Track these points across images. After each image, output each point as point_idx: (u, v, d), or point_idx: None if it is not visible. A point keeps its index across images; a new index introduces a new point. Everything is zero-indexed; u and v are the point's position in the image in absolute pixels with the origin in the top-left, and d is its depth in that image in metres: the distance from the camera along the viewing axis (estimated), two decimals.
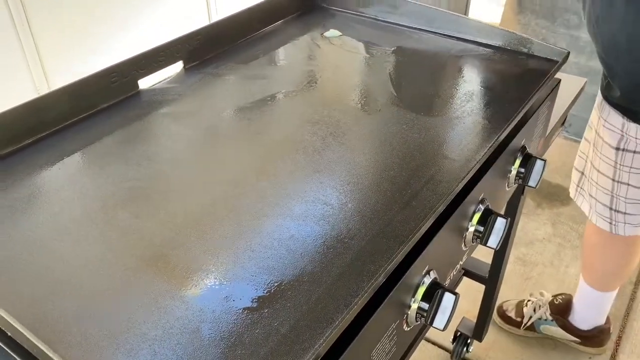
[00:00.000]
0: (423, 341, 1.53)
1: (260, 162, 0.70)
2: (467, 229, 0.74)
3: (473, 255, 1.29)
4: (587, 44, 2.49)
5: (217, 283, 0.52)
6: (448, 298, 0.63)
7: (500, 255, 1.20)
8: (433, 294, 0.63)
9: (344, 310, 0.49)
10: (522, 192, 1.07)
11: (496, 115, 0.80)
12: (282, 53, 0.99)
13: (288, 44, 1.01)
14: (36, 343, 0.45)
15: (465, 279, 1.29)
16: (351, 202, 0.63)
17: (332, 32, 1.03)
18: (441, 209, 0.63)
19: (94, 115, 0.79)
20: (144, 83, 0.85)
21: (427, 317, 0.63)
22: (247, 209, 0.62)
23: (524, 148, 0.88)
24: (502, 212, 0.90)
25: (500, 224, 0.75)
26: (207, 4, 2.81)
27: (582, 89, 1.25)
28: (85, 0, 2.30)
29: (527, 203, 2.08)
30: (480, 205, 0.75)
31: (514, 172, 0.87)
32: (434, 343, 1.54)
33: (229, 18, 1.00)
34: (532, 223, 2.00)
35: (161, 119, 0.79)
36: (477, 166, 0.69)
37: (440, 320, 0.63)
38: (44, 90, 0.75)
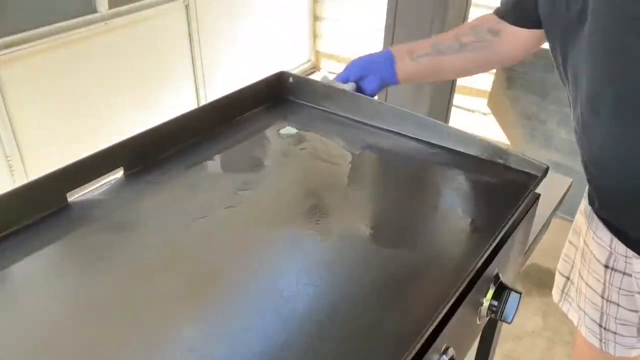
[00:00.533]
0: None
1: (188, 292, 0.61)
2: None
3: None
4: None
5: None
6: None
7: None
8: None
9: None
10: (495, 327, 0.97)
11: (467, 244, 0.71)
12: (233, 155, 0.91)
13: (243, 142, 0.93)
14: None
15: None
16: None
17: (288, 130, 0.96)
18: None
19: (16, 233, 0.70)
20: (76, 194, 0.77)
21: None
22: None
23: (497, 277, 0.79)
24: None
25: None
26: (197, 96, 2.81)
27: (566, 192, 1.18)
28: (69, 92, 2.29)
29: None
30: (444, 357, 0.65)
31: (485, 304, 0.77)
32: None
33: (185, 115, 0.93)
34: (521, 313, 1.88)
35: (92, 238, 0.71)
36: (443, 313, 0.60)
37: None
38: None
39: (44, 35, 2.13)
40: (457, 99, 2.92)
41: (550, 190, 1.02)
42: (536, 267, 2.06)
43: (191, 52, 2.78)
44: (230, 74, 3.00)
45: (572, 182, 1.20)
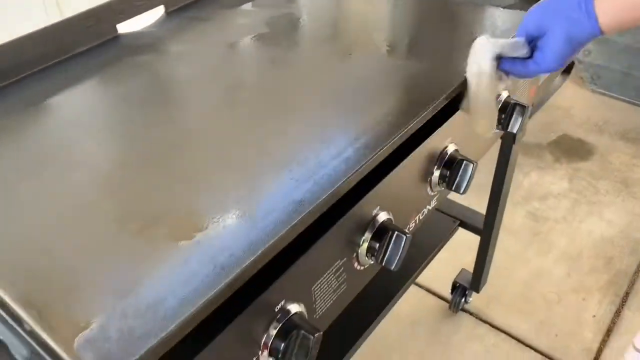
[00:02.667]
0: (422, 291, 1.55)
1: (230, 109, 0.71)
2: (432, 173, 0.74)
3: (468, 206, 1.28)
4: None
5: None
6: (398, 238, 0.63)
7: (493, 205, 1.19)
8: (385, 235, 0.64)
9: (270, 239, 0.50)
10: (513, 141, 1.04)
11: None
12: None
13: None
14: None
15: (466, 232, 1.28)
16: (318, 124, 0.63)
17: None
18: (396, 142, 0.62)
19: (71, 59, 0.81)
20: (123, 28, 0.87)
21: (377, 257, 0.64)
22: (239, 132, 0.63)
23: (504, 94, 0.86)
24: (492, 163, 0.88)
25: (467, 168, 0.74)
26: None
27: None
28: None
29: (545, 157, 2.03)
30: (448, 150, 0.75)
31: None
32: (433, 293, 1.55)
33: None
34: (548, 177, 1.95)
35: (139, 61, 0.81)
36: (441, 105, 0.68)
37: (390, 261, 0.63)
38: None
39: None
40: None
41: None
42: (568, 137, 2.09)
43: None
44: None
45: None
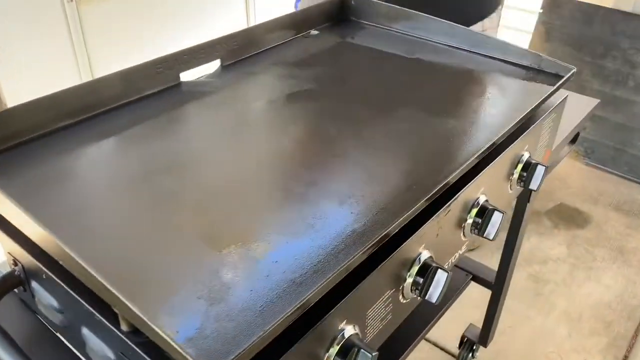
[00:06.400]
0: (430, 345, 1.59)
1: (284, 149, 0.80)
2: (466, 220, 0.82)
3: (480, 261, 1.36)
4: (611, 73, 2.53)
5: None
6: (441, 275, 0.70)
7: (506, 261, 1.26)
8: (427, 271, 0.71)
9: (337, 266, 0.57)
10: (528, 199, 1.13)
11: (499, 120, 0.87)
12: (313, 57, 1.08)
13: (317, 48, 1.11)
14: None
15: (474, 289, 1.34)
16: (363, 184, 0.71)
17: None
18: (437, 192, 0.70)
19: (141, 99, 0.89)
20: (185, 76, 0.96)
21: (421, 291, 0.70)
22: (274, 186, 0.71)
23: (526, 155, 0.95)
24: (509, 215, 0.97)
25: (497, 217, 0.82)
26: (247, 13, 2.97)
27: (593, 109, 1.32)
28: (134, 9, 2.48)
29: (544, 223, 2.13)
30: (479, 200, 0.83)
31: (516, 175, 0.94)
32: (441, 348, 1.59)
33: (264, 24, 1.11)
34: (548, 242, 2.04)
35: (199, 106, 0.90)
36: (475, 161, 0.77)
37: (433, 294, 0.70)
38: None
39: None
40: None
41: (578, 110, 1.16)
42: (565, 207, 2.20)
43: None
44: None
45: (598, 102, 1.34)
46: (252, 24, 2.94)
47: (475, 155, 0.77)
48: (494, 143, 0.81)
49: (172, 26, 2.61)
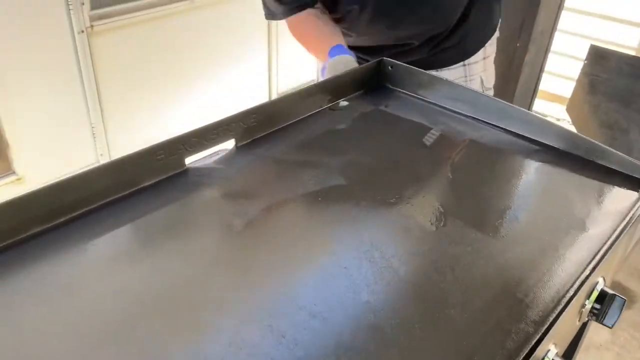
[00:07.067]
0: None
1: (301, 262, 0.63)
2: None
3: None
4: None
5: None
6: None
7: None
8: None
9: None
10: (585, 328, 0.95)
11: (574, 248, 0.70)
12: (342, 137, 0.92)
13: (346, 124, 0.95)
14: None
15: None
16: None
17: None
18: None
19: (137, 193, 0.74)
20: (192, 161, 0.81)
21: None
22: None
23: (600, 282, 0.77)
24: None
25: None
26: (269, 84, 2.83)
27: None
28: (151, 65, 2.38)
29: None
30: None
31: (588, 306, 0.76)
32: None
33: (289, 97, 0.95)
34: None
35: (206, 203, 0.74)
36: (553, 317, 0.60)
37: None
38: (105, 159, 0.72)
39: (134, 10, 2.22)
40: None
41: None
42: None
43: (268, 39, 2.79)
44: (300, 68, 2.96)
45: None
46: (274, 66, 2.77)
47: (554, 310, 0.60)
48: (573, 284, 0.64)
49: (187, 57, 2.48)
